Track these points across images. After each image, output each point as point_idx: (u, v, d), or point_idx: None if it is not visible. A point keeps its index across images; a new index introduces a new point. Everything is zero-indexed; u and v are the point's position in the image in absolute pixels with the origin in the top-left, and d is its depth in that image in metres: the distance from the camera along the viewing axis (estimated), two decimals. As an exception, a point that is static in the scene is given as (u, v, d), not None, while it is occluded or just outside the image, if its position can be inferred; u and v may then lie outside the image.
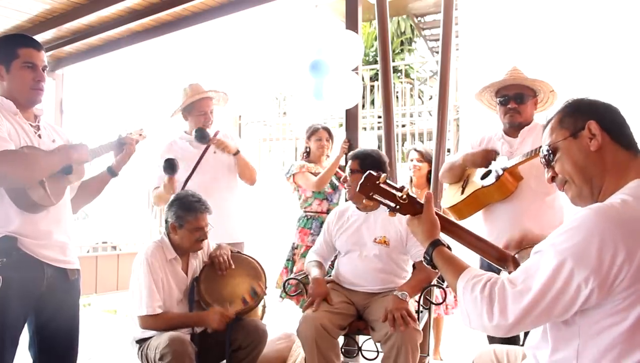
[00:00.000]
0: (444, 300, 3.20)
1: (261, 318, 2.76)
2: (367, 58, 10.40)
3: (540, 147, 1.38)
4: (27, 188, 1.88)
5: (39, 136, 2.03)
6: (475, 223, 2.60)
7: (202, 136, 3.01)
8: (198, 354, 2.37)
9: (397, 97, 8.27)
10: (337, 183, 3.57)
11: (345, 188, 2.75)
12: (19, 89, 1.98)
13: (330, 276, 2.85)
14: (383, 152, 2.86)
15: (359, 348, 2.64)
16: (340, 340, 2.58)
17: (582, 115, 1.27)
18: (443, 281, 2.61)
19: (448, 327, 3.88)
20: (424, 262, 1.50)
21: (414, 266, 2.70)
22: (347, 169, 2.70)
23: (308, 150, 3.69)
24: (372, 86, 9.21)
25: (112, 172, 2.28)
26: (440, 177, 2.87)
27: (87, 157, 2.10)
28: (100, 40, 5.20)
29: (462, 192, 2.57)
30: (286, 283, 3.27)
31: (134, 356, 2.50)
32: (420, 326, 2.44)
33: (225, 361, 2.53)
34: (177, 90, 3.24)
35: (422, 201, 1.50)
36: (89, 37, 5.01)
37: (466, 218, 2.58)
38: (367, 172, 1.54)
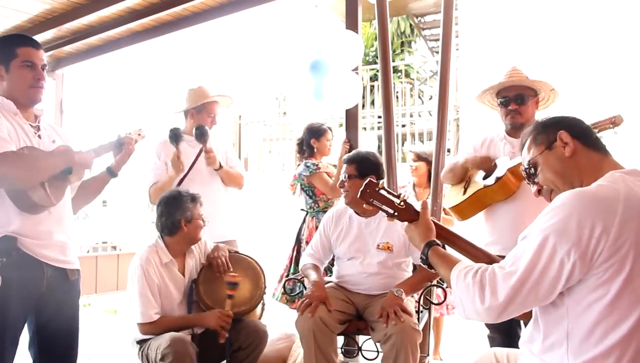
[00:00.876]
0: (444, 300, 3.20)
1: (260, 318, 2.76)
2: (367, 58, 10.40)
3: None
4: (28, 189, 1.88)
5: (39, 136, 2.02)
6: (476, 224, 2.60)
7: (201, 134, 3.02)
8: (199, 354, 2.36)
9: (397, 97, 8.26)
10: None
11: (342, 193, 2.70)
12: (19, 88, 1.98)
13: (329, 278, 2.83)
14: (377, 153, 2.81)
15: (359, 348, 2.63)
16: (340, 340, 2.57)
17: (552, 128, 1.42)
18: (443, 281, 2.61)
19: (448, 327, 3.88)
20: (421, 263, 1.57)
21: (414, 268, 2.70)
22: (344, 173, 2.65)
23: (314, 149, 3.60)
24: (372, 86, 9.20)
25: (111, 172, 2.27)
26: (441, 179, 2.87)
27: (90, 164, 2.10)
28: (100, 40, 5.20)
29: (464, 193, 2.56)
30: (285, 284, 3.26)
31: (135, 356, 2.50)
32: (420, 326, 2.43)
33: (225, 361, 2.53)
34: (177, 90, 3.25)
35: (419, 208, 1.59)
36: (89, 37, 5.01)
37: (469, 219, 2.57)
38: (368, 179, 1.60)
